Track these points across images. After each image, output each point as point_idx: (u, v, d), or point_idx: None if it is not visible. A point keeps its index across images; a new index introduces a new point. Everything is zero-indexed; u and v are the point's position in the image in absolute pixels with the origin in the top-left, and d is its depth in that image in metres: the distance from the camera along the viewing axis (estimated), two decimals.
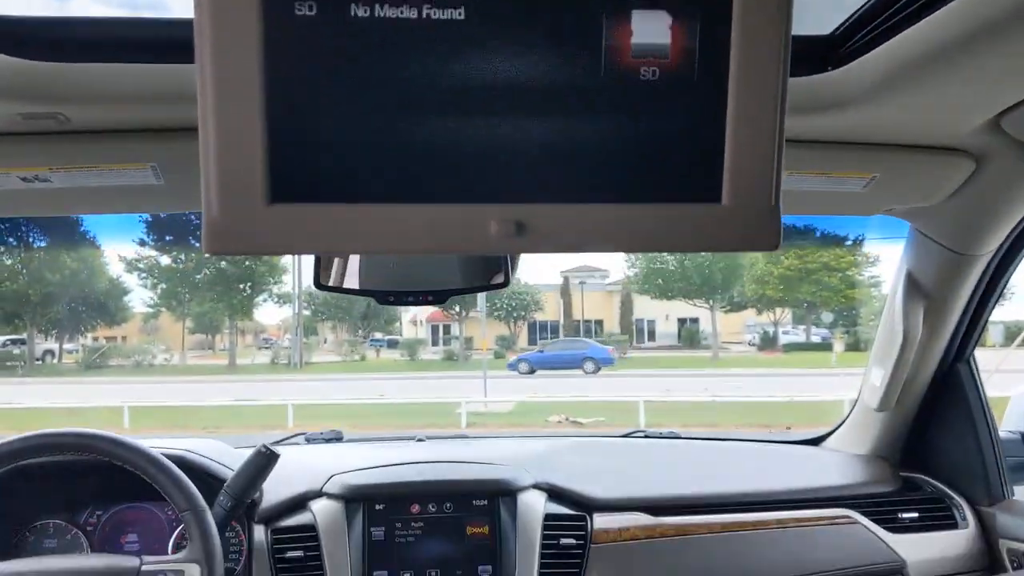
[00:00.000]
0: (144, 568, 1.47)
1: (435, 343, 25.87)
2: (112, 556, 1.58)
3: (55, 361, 21.52)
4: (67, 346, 22.41)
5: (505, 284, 1.71)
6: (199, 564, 1.49)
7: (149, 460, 1.55)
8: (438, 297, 1.71)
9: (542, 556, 1.77)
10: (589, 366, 19.18)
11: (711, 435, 2.67)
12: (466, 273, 1.73)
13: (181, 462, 1.61)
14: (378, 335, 26.46)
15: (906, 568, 1.90)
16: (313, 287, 1.73)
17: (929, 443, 2.08)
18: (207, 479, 1.70)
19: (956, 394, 1.99)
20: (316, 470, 1.90)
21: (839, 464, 2.16)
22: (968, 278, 1.80)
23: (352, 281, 1.71)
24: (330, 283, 1.71)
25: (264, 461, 1.69)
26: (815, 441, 2.35)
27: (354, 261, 1.70)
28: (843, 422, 2.27)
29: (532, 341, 26.18)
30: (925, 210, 1.64)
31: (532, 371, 18.63)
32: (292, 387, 17.16)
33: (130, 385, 17.80)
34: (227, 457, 1.84)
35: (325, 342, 26.88)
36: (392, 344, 25.68)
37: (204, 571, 1.49)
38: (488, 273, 1.72)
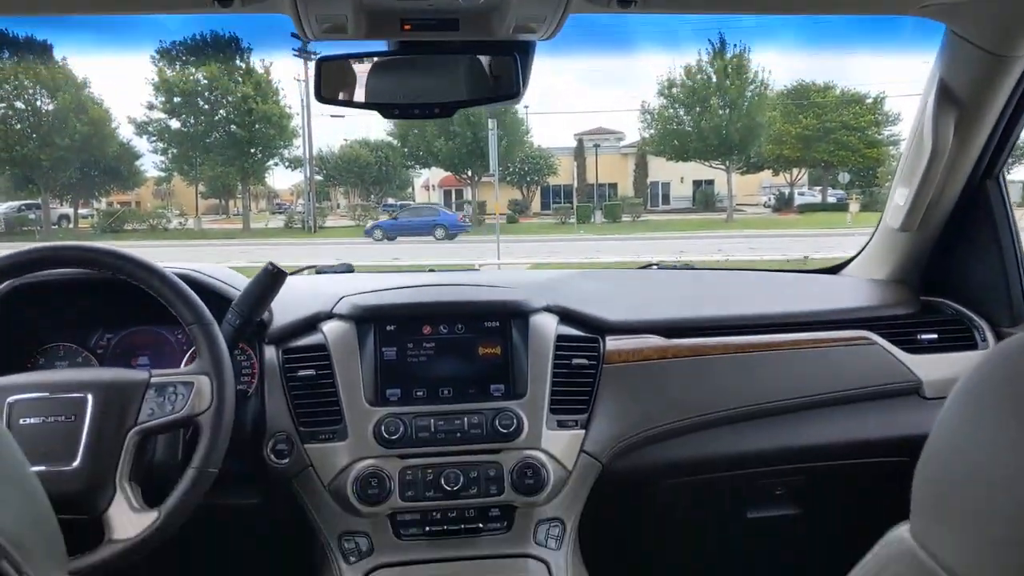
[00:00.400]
0: (153, 380, 1.46)
1: (447, 207, 25.82)
2: (122, 369, 1.58)
3: (71, 226, 21.60)
4: (82, 211, 22.50)
5: (515, 95, 1.63)
6: (208, 376, 1.47)
7: (154, 273, 1.52)
8: (444, 110, 1.64)
9: (554, 376, 1.76)
10: (439, 232, 19.77)
11: (727, 267, 2.65)
12: (474, 84, 1.65)
13: (187, 279, 1.59)
14: (391, 200, 26.38)
15: (922, 387, 1.89)
16: (318, 102, 1.66)
17: (952, 265, 2.02)
18: (215, 298, 1.67)
19: (983, 212, 1.92)
20: (327, 294, 1.87)
21: (858, 288, 2.13)
22: (1004, 83, 1.70)
23: (357, 94, 1.64)
24: (338, 98, 1.64)
25: (271, 279, 1.65)
26: (834, 270, 2.31)
27: (362, 74, 1.62)
28: (863, 249, 2.22)
29: (545, 205, 26.10)
30: (962, 7, 1.53)
31: (392, 237, 19.42)
32: (307, 250, 17.24)
33: (146, 248, 17.70)
34: (235, 280, 1.81)
35: (338, 207, 26.87)
36: (405, 209, 25.65)
37: (213, 383, 1.47)
38: (498, 84, 1.64)
